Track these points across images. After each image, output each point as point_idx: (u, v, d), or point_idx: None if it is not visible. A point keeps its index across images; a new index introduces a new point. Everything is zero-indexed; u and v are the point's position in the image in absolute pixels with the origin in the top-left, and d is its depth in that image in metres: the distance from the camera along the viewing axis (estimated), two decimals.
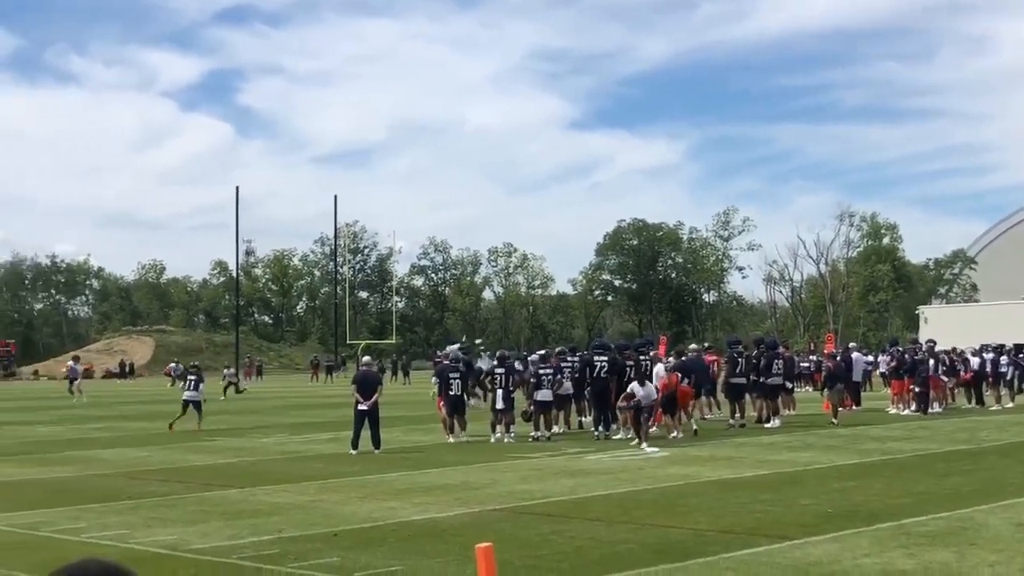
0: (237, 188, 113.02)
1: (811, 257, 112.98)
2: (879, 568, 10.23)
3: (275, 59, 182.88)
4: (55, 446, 25.20)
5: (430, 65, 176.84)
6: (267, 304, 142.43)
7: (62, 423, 30.07)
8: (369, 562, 10.87)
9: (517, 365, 26.94)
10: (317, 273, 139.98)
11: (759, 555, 10.97)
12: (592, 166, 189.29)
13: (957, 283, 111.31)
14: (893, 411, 31.83)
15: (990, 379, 35.26)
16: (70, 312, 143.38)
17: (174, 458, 22.14)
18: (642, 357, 26.45)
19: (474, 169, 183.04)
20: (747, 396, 28.26)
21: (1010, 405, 34.14)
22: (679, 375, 25.52)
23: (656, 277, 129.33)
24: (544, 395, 24.98)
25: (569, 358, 27.56)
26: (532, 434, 24.63)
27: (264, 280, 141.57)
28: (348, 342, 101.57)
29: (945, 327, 64.72)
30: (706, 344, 38.33)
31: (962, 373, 35.08)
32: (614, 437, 24.44)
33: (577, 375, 26.50)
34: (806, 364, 42.98)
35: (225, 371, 57.27)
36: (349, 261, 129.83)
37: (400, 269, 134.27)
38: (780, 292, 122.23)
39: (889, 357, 36.01)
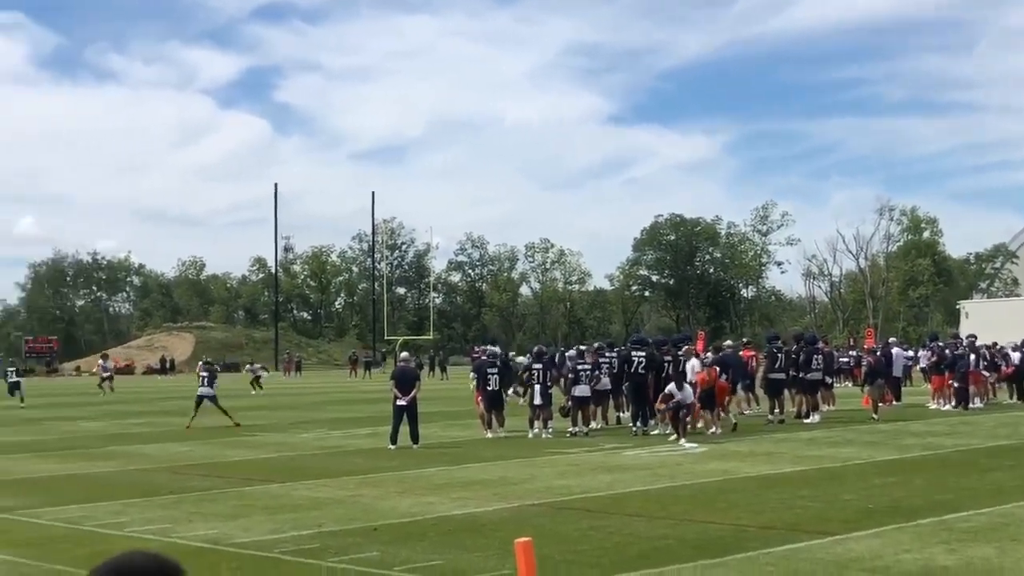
0: (276, 185, 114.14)
1: (850, 252, 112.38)
2: (920, 564, 10.17)
3: (313, 56, 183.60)
4: (97, 441, 25.44)
5: (467, 61, 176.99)
6: (306, 300, 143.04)
7: (104, 418, 30.35)
8: (409, 556, 10.92)
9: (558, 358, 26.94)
10: (355, 269, 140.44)
11: (799, 551, 10.93)
12: (629, 161, 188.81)
13: (998, 277, 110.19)
14: (933, 406, 31.58)
15: None
16: (111, 309, 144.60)
17: (215, 453, 22.30)
18: (679, 352, 26.37)
19: (511, 165, 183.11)
20: (786, 392, 28.13)
21: None
22: (717, 370, 25.43)
23: (694, 272, 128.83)
24: (582, 390, 24.96)
25: (607, 353, 27.53)
26: (570, 429, 24.63)
27: (303, 276, 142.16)
28: (386, 338, 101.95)
29: (986, 322, 64.14)
30: (744, 339, 38.16)
31: (1003, 368, 34.75)
32: (652, 433, 24.40)
33: (615, 371, 26.47)
34: (845, 359, 42.69)
35: (248, 366, 57.37)
36: (387, 257, 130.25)
37: (437, 265, 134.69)
38: (819, 287, 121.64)
39: (929, 352, 35.73)
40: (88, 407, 40.41)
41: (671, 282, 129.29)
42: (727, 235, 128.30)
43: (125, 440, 25.62)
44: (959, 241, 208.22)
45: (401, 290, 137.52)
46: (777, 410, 27.36)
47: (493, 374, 25.00)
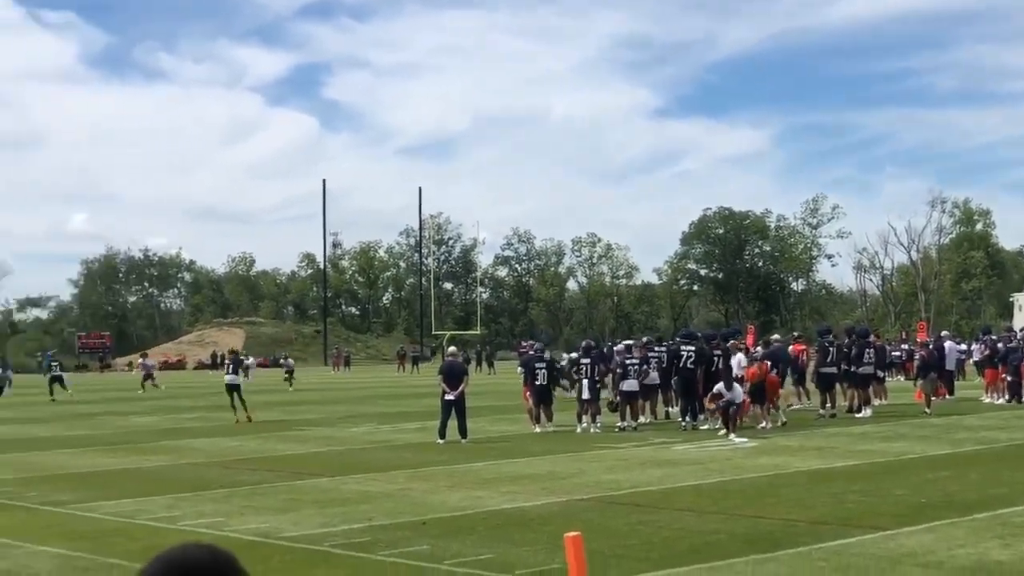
0: (324, 181, 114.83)
1: (902, 244, 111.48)
2: (974, 559, 10.05)
3: (360, 52, 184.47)
4: (149, 436, 25.70)
5: (514, 56, 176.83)
6: (354, 295, 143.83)
7: (155, 413, 30.69)
8: (459, 550, 10.93)
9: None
10: (403, 264, 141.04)
11: (851, 546, 10.84)
12: (677, 154, 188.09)
13: None
14: (987, 400, 31.19)
15: None
16: (163, 304, 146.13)
17: (265, 447, 22.46)
18: (727, 346, 26.23)
19: (558, 159, 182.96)
20: (838, 386, 27.89)
21: None
22: (768, 364, 25.26)
23: (743, 266, 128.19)
24: (630, 385, 24.88)
25: (656, 348, 27.43)
26: (618, 424, 24.57)
27: (351, 272, 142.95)
28: (433, 333, 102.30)
29: None
30: (795, 333, 37.88)
31: None
32: (701, 427, 24.28)
33: (664, 365, 26.37)
34: (898, 353, 42.33)
35: (282, 361, 57.64)
36: (434, 252, 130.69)
37: (484, 260, 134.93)
38: (870, 280, 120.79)
39: (982, 346, 35.25)
40: (140, 402, 40.85)
41: (720, 276, 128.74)
42: (777, 228, 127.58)
43: (176, 435, 25.87)
44: (1012, 233, 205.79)
45: (448, 285, 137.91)
46: (829, 404, 27.13)
47: (541, 369, 24.98)
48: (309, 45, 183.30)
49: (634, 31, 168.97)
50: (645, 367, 25.56)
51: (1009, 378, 30.61)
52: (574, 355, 28.43)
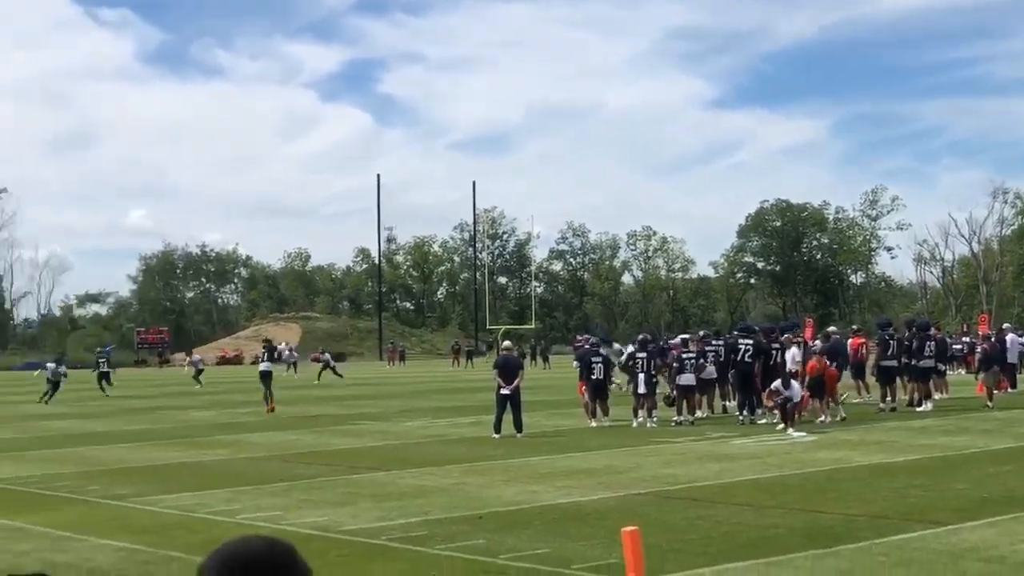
0: (378, 176, 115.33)
1: (963, 236, 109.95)
2: None
3: (414, 47, 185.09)
4: (207, 430, 25.94)
5: (568, 48, 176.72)
6: (408, 290, 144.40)
7: (213, 408, 30.99)
8: (515, 544, 10.92)
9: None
10: (457, 259, 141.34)
11: (912, 540, 10.70)
12: (733, 146, 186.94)
13: None
14: None
15: None
16: (220, 300, 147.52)
17: (321, 441, 22.59)
18: (790, 338, 26.01)
19: (612, 152, 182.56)
20: (898, 379, 27.58)
21: None
22: (826, 359, 25.02)
23: (801, 259, 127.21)
24: (687, 379, 24.75)
25: (713, 342, 27.26)
26: (675, 419, 24.44)
27: (405, 267, 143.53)
28: (488, 327, 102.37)
29: None
30: (854, 326, 37.50)
31: None
32: (759, 422, 24.10)
33: (721, 359, 26.21)
34: (959, 346, 41.79)
35: (319, 354, 57.70)
36: (488, 247, 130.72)
37: (539, 254, 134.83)
38: (931, 272, 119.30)
39: None
40: (197, 397, 41.26)
41: (777, 269, 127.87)
42: (835, 220, 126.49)
43: (234, 429, 26.09)
44: None
45: (502, 279, 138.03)
46: (889, 398, 26.84)
47: (597, 363, 24.91)
48: (363, 40, 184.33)
49: (689, 22, 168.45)
50: (702, 361, 25.42)
51: None
52: (625, 348, 28.35)
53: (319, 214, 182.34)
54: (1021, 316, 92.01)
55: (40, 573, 2.45)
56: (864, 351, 30.25)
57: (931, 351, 27.48)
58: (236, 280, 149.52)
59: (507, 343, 26.43)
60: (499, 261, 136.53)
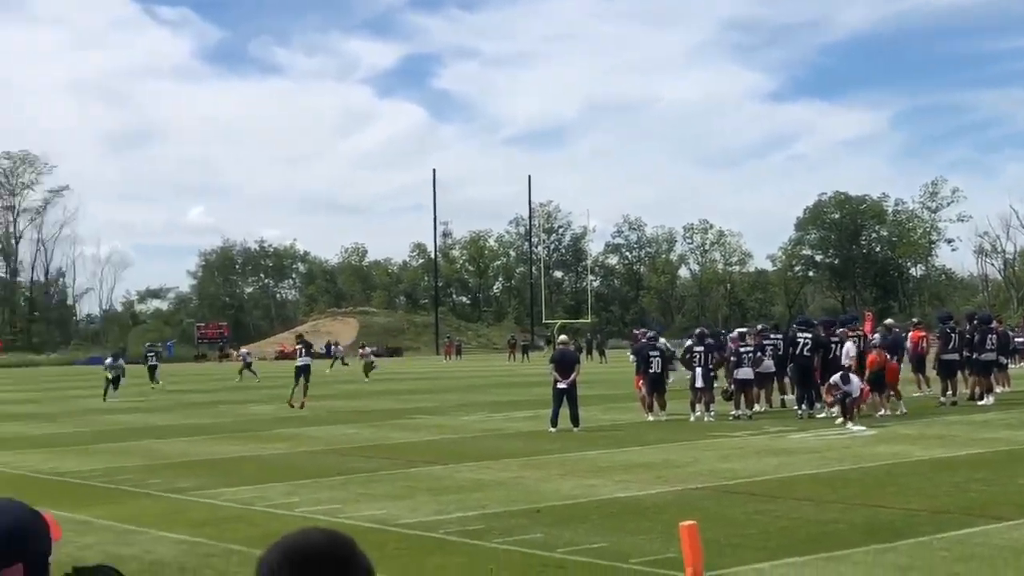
0: (434, 171, 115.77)
1: None
2: None
3: (469, 42, 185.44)
4: (266, 424, 26.16)
5: (623, 41, 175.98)
6: (464, 285, 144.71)
7: (272, 402, 31.25)
8: (572, 538, 10.91)
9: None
10: (512, 253, 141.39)
11: (974, 536, 10.58)
12: (791, 138, 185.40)
13: None
14: None
15: None
16: (278, 295, 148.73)
17: (379, 435, 22.70)
18: (846, 332, 25.73)
19: (669, 145, 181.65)
20: (959, 373, 27.23)
21: None
22: (886, 353, 24.75)
23: (860, 251, 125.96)
24: (744, 373, 24.60)
25: (772, 335, 27.08)
26: (732, 413, 24.30)
27: (461, 261, 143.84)
28: (544, 321, 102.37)
29: None
30: (914, 320, 37.06)
31: None
32: (818, 416, 23.89)
33: (780, 353, 26.01)
34: (1021, 339, 41.18)
35: (361, 350, 57.75)
36: (544, 241, 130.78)
37: (594, 248, 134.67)
38: (992, 264, 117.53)
39: None
40: (256, 391, 41.62)
41: (836, 262, 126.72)
42: (894, 212, 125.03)
43: (293, 423, 26.29)
44: None
45: (558, 273, 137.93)
46: (950, 392, 26.51)
47: (655, 357, 24.83)
48: (419, 36, 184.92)
49: (745, 13, 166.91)
50: (759, 355, 25.25)
51: None
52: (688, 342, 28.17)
53: (376, 209, 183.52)
54: None
55: (104, 566, 2.47)
56: (925, 345, 29.91)
57: (992, 344, 27.10)
58: (294, 275, 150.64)
59: (563, 337, 26.42)
60: (555, 255, 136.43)
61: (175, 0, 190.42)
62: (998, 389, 27.64)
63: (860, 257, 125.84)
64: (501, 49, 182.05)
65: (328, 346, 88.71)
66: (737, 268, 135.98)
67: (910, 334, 29.84)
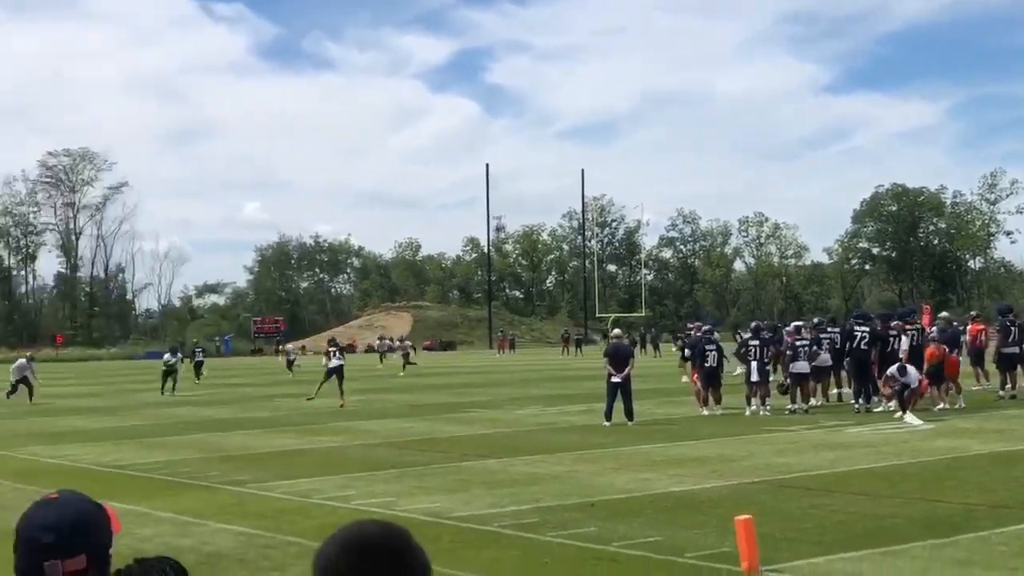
0: (487, 165, 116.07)
1: None
2: None
3: (521, 36, 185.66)
4: (322, 417, 26.35)
5: (676, 34, 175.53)
6: (518, 279, 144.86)
7: (328, 396, 31.38)
8: (627, 532, 10.90)
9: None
10: (566, 247, 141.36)
11: None
12: (847, 130, 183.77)
13: None
14: None
15: None
16: (333, 290, 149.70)
17: (433, 429, 22.79)
18: (904, 326, 25.47)
19: (723, 138, 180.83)
20: (1019, 366, 26.84)
21: None
22: (944, 346, 24.46)
23: (917, 244, 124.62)
24: (800, 367, 24.43)
25: (829, 329, 26.85)
26: (788, 407, 24.15)
27: (514, 255, 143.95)
28: (597, 315, 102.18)
29: None
30: (973, 313, 36.60)
31: None
32: (875, 410, 23.67)
33: (837, 346, 25.79)
34: None
35: (398, 342, 57.72)
36: (597, 235, 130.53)
37: (648, 241, 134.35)
38: None
39: None
40: (310, 385, 41.85)
41: (893, 254, 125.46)
42: (952, 204, 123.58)
43: (348, 416, 26.46)
44: None
45: (612, 267, 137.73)
46: (1009, 385, 26.16)
47: (711, 351, 24.73)
48: (471, 30, 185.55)
49: (801, 5, 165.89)
50: (815, 348, 25.06)
51: None
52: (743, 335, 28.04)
53: (429, 204, 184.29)
54: None
55: (164, 557, 2.52)
56: (984, 338, 29.52)
57: None
58: (348, 270, 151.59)
59: (617, 331, 26.35)
60: (608, 249, 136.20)
61: None
62: None
63: (918, 250, 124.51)
64: (553, 43, 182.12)
65: (382, 340, 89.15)
66: (793, 261, 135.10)
67: (969, 327, 29.46)
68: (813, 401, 25.21)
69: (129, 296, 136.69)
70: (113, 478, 16.32)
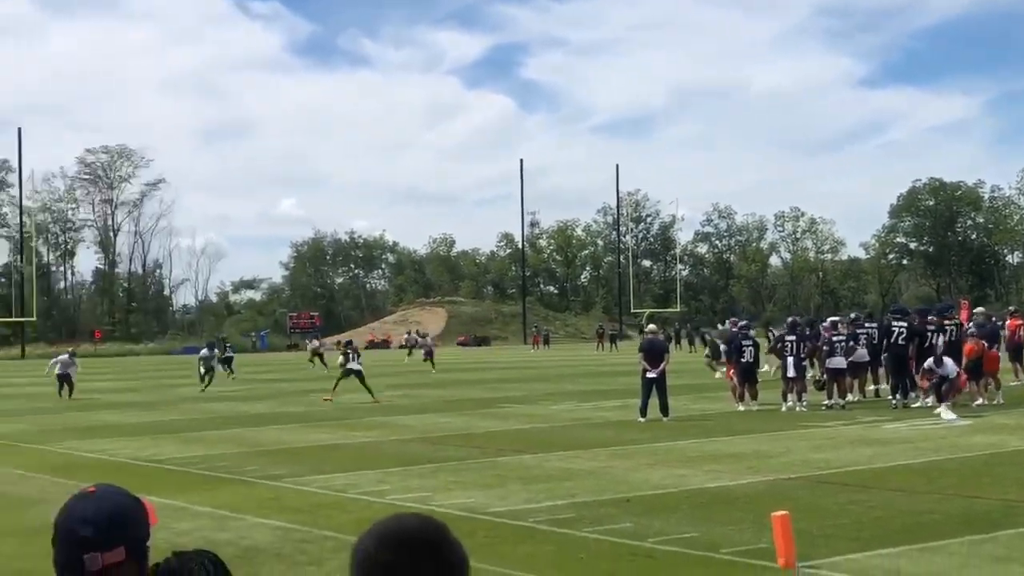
0: (521, 161, 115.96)
1: None
2: None
3: (556, 31, 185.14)
4: (359, 412, 26.42)
5: (711, 28, 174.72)
6: (552, 274, 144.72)
7: (361, 391, 31.47)
8: (662, 528, 10.87)
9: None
10: (600, 243, 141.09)
11: None
12: (883, 125, 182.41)
13: None
14: None
15: None
16: (368, 285, 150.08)
17: (469, 424, 22.81)
18: (943, 321, 25.27)
19: (758, 133, 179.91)
20: None
21: None
22: (983, 341, 24.24)
23: (955, 239, 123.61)
24: (837, 362, 24.28)
25: (867, 324, 26.67)
26: (825, 402, 24.01)
27: (549, 251, 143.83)
28: (632, 311, 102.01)
29: None
30: (1011, 308, 36.26)
31: None
32: (912, 406, 23.50)
33: (875, 342, 25.61)
34: None
35: (420, 338, 57.61)
36: (632, 230, 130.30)
37: (683, 236, 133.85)
38: None
39: None
40: (347, 380, 41.97)
41: (930, 249, 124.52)
42: (990, 199, 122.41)
43: (383, 411, 26.53)
44: None
45: (647, 262, 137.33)
46: None
47: (748, 346, 24.62)
48: (506, 26, 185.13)
49: None
50: (852, 344, 24.90)
51: None
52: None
53: (463, 200, 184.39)
54: None
55: (202, 551, 2.53)
56: (1022, 333, 29.24)
57: None
58: (383, 266, 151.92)
59: (652, 326, 26.29)
60: (643, 244, 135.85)
61: None
62: None
63: (955, 244, 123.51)
64: (588, 38, 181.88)
65: (409, 335, 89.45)
66: (829, 256, 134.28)
67: (1007, 322, 29.20)
68: (850, 397, 25.06)
69: (166, 292, 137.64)
70: (151, 472, 16.44)
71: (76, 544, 2.36)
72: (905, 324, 24.93)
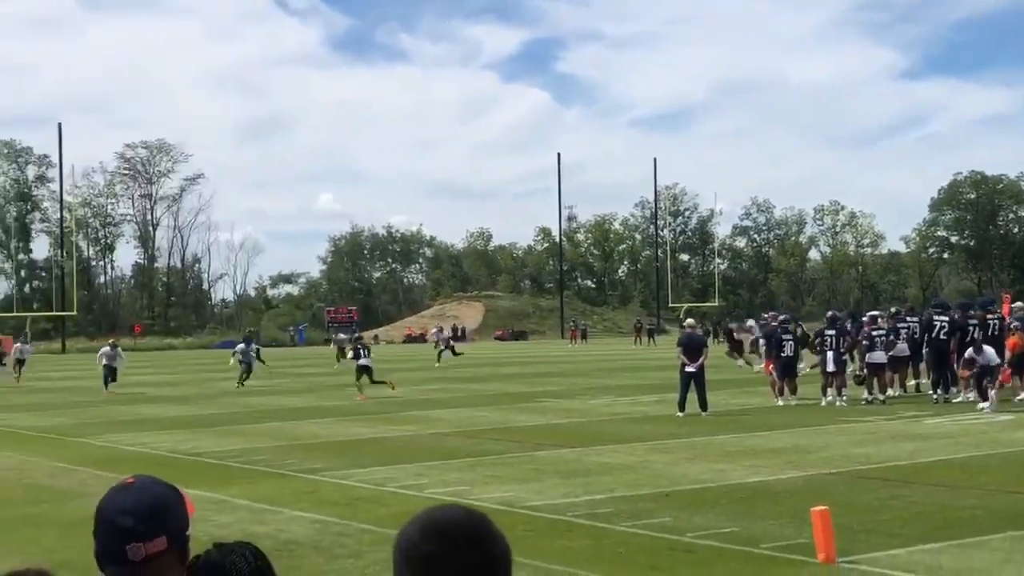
0: (559, 155, 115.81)
1: None
2: None
3: (593, 25, 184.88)
4: (396, 406, 26.48)
5: (751, 21, 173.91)
6: (589, 268, 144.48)
7: (400, 385, 31.55)
8: (701, 523, 10.82)
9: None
10: (638, 237, 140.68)
11: None
12: (924, 117, 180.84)
13: None
14: None
15: None
16: (405, 279, 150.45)
17: (506, 418, 22.81)
18: (986, 316, 25.00)
19: (797, 126, 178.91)
20: None
21: None
22: None
23: (996, 232, 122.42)
24: (877, 357, 24.09)
25: (908, 318, 26.45)
26: (865, 397, 23.84)
27: (586, 245, 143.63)
28: (670, 305, 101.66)
29: None
30: None
31: None
32: (954, 400, 23.29)
33: (916, 336, 25.39)
34: None
35: (432, 332, 57.45)
36: (670, 224, 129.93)
37: (722, 231, 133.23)
38: None
39: None
40: (386, 374, 42.12)
41: (972, 243, 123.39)
42: None
43: (421, 405, 26.58)
44: None
45: (685, 257, 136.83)
46: None
47: (787, 340, 24.48)
48: (543, 20, 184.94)
49: None
50: (892, 338, 24.69)
51: None
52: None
53: (501, 194, 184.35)
54: None
55: (243, 543, 2.53)
56: None
57: None
58: (421, 260, 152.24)
59: (690, 321, 26.20)
60: (681, 238, 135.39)
61: None
62: None
63: (997, 238, 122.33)
64: (625, 31, 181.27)
65: (440, 330, 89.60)
66: (869, 250, 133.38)
67: None
68: (891, 391, 24.87)
69: (205, 286, 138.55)
70: (190, 465, 16.55)
71: (117, 535, 2.36)
72: (947, 319, 24.71)
